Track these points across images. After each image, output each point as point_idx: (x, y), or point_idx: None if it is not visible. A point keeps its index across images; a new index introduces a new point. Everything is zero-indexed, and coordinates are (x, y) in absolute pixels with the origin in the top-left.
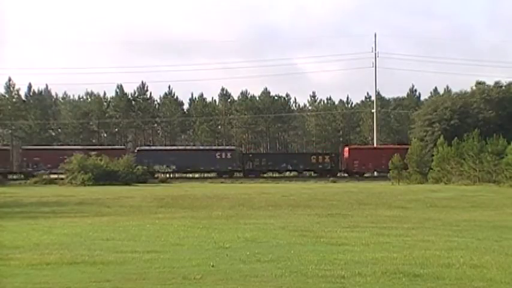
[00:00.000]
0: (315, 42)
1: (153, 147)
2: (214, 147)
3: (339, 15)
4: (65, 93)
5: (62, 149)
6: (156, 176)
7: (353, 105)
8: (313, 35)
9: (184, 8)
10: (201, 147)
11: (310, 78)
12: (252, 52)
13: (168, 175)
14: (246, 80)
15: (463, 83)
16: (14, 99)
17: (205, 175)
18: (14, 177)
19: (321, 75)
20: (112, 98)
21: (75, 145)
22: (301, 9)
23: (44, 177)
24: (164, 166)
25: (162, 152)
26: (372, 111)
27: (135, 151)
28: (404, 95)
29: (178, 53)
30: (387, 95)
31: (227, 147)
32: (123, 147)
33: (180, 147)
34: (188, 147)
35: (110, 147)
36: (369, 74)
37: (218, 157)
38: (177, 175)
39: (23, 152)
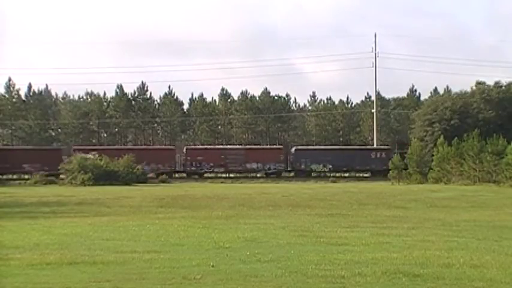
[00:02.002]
0: (314, 42)
1: (311, 147)
2: (369, 147)
3: (337, 15)
4: (65, 93)
5: (224, 148)
6: (313, 174)
7: (353, 105)
8: (312, 35)
9: (184, 8)
10: (356, 147)
11: (309, 78)
12: (252, 52)
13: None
14: (246, 80)
15: (462, 82)
16: (14, 99)
17: (360, 174)
18: (176, 175)
19: (320, 75)
20: (112, 98)
21: (235, 145)
22: (299, 9)
23: (206, 175)
24: (321, 165)
25: (319, 152)
26: (372, 111)
27: (293, 150)
28: (404, 95)
29: (178, 53)
30: (387, 95)
31: (381, 147)
32: (172, 147)
33: (336, 147)
34: (344, 147)
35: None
36: (368, 74)
37: (373, 156)
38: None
39: (188, 152)
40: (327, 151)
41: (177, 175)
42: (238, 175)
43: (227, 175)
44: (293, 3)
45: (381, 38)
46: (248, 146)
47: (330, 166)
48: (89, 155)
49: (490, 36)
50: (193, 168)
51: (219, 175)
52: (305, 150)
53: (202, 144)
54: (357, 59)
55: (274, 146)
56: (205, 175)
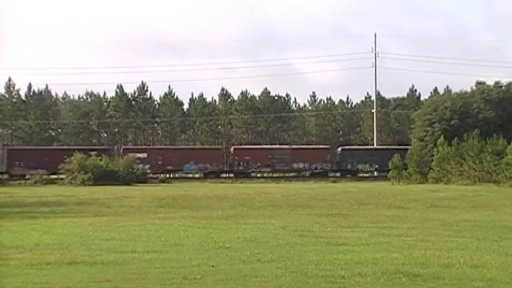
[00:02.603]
0: (313, 42)
1: (357, 147)
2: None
3: (337, 15)
4: (65, 93)
5: (271, 148)
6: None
7: (353, 105)
8: (311, 35)
9: (184, 8)
10: (403, 146)
11: (309, 78)
12: (252, 52)
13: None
14: (245, 80)
15: (461, 82)
16: (14, 99)
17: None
18: (224, 175)
19: (320, 75)
20: (112, 98)
21: (281, 144)
22: (298, 9)
23: (253, 175)
24: (367, 165)
25: (366, 152)
26: (372, 111)
27: (339, 150)
28: (404, 95)
29: (178, 53)
30: (387, 95)
31: None
32: (220, 146)
33: (383, 147)
34: (390, 147)
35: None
36: (368, 74)
37: None
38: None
39: (235, 152)
40: (373, 151)
41: (224, 175)
42: (286, 175)
43: (273, 175)
44: (293, 3)
45: (380, 38)
46: (295, 146)
47: (376, 166)
48: (138, 155)
49: (490, 36)
50: (240, 168)
51: (266, 175)
52: (351, 150)
53: (248, 144)
54: (357, 59)
55: (321, 146)
56: (252, 175)
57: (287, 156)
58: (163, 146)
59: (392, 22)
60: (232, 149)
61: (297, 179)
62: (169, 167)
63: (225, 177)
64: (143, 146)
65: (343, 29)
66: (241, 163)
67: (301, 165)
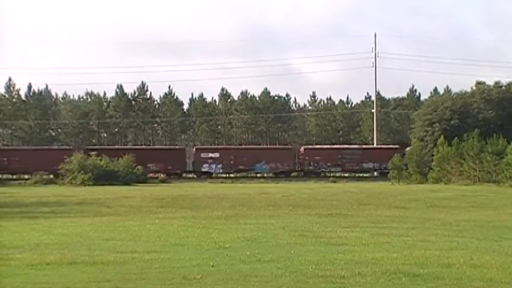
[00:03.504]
0: (312, 42)
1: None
2: None
3: (337, 15)
4: (65, 93)
5: (341, 148)
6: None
7: (353, 105)
8: (311, 35)
9: (183, 8)
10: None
11: (309, 78)
12: (252, 52)
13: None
14: (245, 80)
15: (461, 82)
16: (14, 99)
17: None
18: (294, 174)
19: (320, 75)
20: (112, 98)
21: (350, 144)
22: (298, 9)
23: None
24: None
25: None
26: (372, 111)
27: (408, 149)
28: (404, 95)
29: (177, 53)
30: (387, 95)
31: None
32: (290, 146)
33: None
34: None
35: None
36: (368, 74)
37: None
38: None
39: (306, 152)
40: None
41: (294, 174)
42: (356, 175)
43: (343, 174)
44: (292, 3)
45: (380, 38)
46: (365, 146)
47: None
48: (211, 155)
49: (490, 36)
50: (310, 167)
51: (335, 174)
52: None
53: (317, 144)
54: (357, 59)
55: (391, 146)
56: (322, 174)
57: (357, 156)
58: (235, 146)
59: (392, 22)
60: (302, 149)
61: (297, 179)
62: (241, 167)
63: (295, 177)
64: (216, 146)
65: (343, 29)
66: (311, 163)
67: (370, 165)
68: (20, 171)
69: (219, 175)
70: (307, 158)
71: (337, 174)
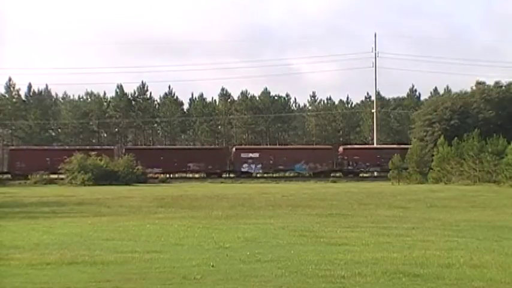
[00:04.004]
0: (312, 42)
1: None
2: None
3: (336, 15)
4: (65, 93)
5: (380, 148)
6: None
7: (353, 105)
8: (310, 34)
9: (183, 8)
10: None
11: (309, 78)
12: (252, 52)
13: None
14: (245, 80)
15: (461, 82)
16: (14, 99)
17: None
18: (337, 174)
19: (320, 75)
20: (112, 98)
21: (390, 144)
22: (297, 9)
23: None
24: None
25: None
26: (372, 111)
27: None
28: (404, 95)
29: (177, 53)
30: (387, 95)
31: None
32: (329, 146)
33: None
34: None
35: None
36: (368, 74)
37: None
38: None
39: (345, 151)
40: None
41: (332, 174)
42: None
43: (382, 174)
44: (292, 3)
45: (380, 38)
46: (403, 146)
47: None
48: (250, 155)
49: (489, 36)
50: (349, 167)
51: (374, 174)
52: None
53: (356, 144)
54: (357, 59)
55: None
56: (361, 174)
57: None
58: (274, 146)
59: (391, 22)
60: (341, 149)
61: (297, 178)
62: (281, 167)
63: (334, 177)
64: (255, 146)
65: (343, 29)
66: (351, 163)
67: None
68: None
69: (258, 175)
70: (346, 157)
71: (376, 174)
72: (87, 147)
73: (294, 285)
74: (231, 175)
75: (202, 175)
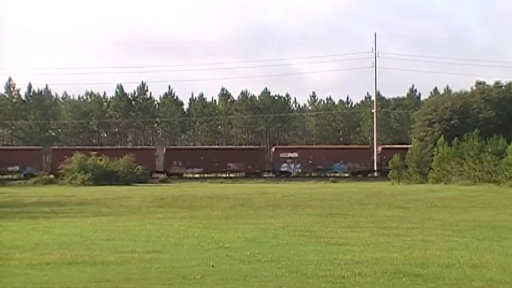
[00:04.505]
0: (312, 42)
1: None
2: None
3: (336, 15)
4: (65, 93)
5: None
6: None
7: (353, 105)
8: (310, 34)
9: (183, 8)
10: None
11: (309, 78)
12: (252, 52)
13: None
14: (245, 80)
15: (460, 82)
16: (14, 99)
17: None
18: (375, 174)
19: (320, 75)
20: (112, 98)
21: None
22: (297, 9)
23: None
24: None
25: None
26: (372, 111)
27: None
28: (404, 95)
29: (177, 53)
30: (387, 95)
31: None
32: (368, 146)
33: None
34: None
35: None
36: (368, 74)
37: None
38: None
39: (383, 151)
40: None
41: (370, 174)
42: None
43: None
44: (292, 3)
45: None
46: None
47: None
48: (289, 155)
49: (489, 35)
50: (387, 167)
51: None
52: None
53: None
54: (357, 59)
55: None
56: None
57: None
58: (313, 146)
59: (391, 22)
60: (380, 148)
61: (297, 178)
62: (319, 167)
63: (372, 177)
64: (295, 146)
65: (343, 28)
66: (389, 162)
67: None
68: None
69: (298, 175)
70: (384, 157)
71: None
72: (128, 147)
73: (294, 285)
74: (271, 175)
75: (241, 175)
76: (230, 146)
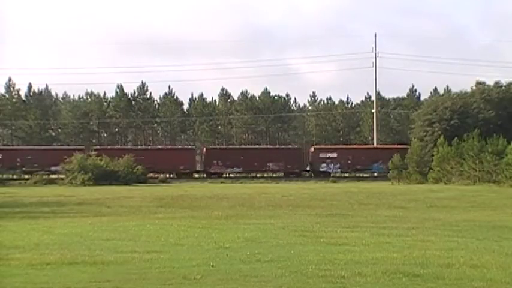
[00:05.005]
0: (312, 42)
1: None
2: None
3: (336, 15)
4: (65, 93)
5: None
6: None
7: (353, 105)
8: (310, 34)
9: (183, 9)
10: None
11: (309, 79)
12: (252, 53)
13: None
14: (245, 80)
15: (460, 82)
16: (14, 99)
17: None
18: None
19: (320, 75)
20: (112, 98)
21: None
22: (297, 9)
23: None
24: None
25: None
26: (372, 111)
27: None
28: (404, 95)
29: (177, 53)
30: (387, 95)
31: None
32: (406, 146)
33: None
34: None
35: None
36: (368, 74)
37: None
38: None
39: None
40: None
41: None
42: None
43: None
44: (292, 3)
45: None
46: None
47: None
48: (329, 155)
49: (489, 35)
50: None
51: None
52: None
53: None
54: (357, 59)
55: None
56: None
57: None
58: (352, 146)
59: (391, 22)
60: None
61: (297, 178)
62: (358, 167)
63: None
64: (334, 146)
65: (343, 28)
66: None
67: None
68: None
69: (337, 175)
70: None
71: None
72: (169, 146)
73: (294, 285)
74: (310, 175)
75: (280, 174)
76: (270, 146)
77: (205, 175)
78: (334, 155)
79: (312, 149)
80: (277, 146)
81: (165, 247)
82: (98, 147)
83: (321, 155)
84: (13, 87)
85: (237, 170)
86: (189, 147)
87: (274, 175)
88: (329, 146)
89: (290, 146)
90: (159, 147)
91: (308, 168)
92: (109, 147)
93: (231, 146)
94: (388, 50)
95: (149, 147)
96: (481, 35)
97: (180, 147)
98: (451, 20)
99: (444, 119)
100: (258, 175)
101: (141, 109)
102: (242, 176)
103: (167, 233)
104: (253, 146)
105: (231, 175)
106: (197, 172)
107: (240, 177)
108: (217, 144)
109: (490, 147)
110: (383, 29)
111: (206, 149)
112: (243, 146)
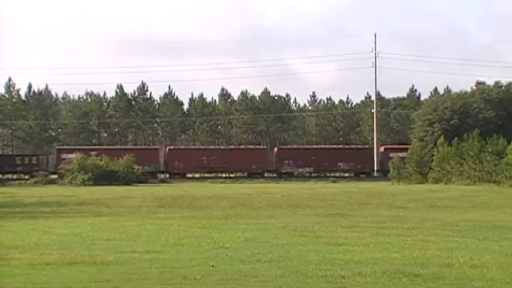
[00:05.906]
0: (311, 42)
1: None
2: None
3: (336, 15)
4: (65, 93)
5: None
6: None
7: (353, 105)
8: (309, 35)
9: (183, 9)
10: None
11: (309, 79)
12: (252, 53)
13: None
14: (245, 80)
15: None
16: (14, 99)
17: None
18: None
19: (320, 75)
20: (112, 98)
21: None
22: (296, 9)
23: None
24: None
25: None
26: (372, 111)
27: None
28: (404, 95)
29: (177, 54)
30: (387, 95)
31: None
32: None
33: None
34: None
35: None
36: (368, 74)
37: None
38: None
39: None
40: None
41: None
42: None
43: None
44: (292, 3)
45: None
46: None
47: None
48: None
49: (489, 35)
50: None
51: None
52: None
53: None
54: (357, 59)
55: None
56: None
57: None
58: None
59: (391, 22)
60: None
61: (297, 178)
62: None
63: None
64: (404, 145)
65: (342, 29)
66: None
67: None
68: (218, 170)
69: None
70: None
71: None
72: (241, 146)
73: (294, 285)
74: (379, 175)
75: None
76: (340, 146)
77: (275, 175)
78: (405, 154)
79: (382, 148)
80: (348, 146)
81: (165, 247)
82: (171, 147)
83: (391, 154)
84: (13, 87)
85: (308, 169)
86: (261, 147)
87: (344, 175)
88: (399, 146)
89: (360, 146)
90: (231, 147)
91: (377, 168)
92: (182, 147)
93: (302, 146)
94: (388, 50)
95: (222, 147)
96: (481, 35)
97: (252, 147)
98: (451, 20)
99: (444, 119)
100: (328, 174)
101: (141, 109)
102: (314, 176)
103: (167, 233)
104: (324, 146)
105: (306, 174)
106: (269, 172)
107: (312, 177)
108: (217, 144)
109: (490, 147)
110: (383, 29)
111: (278, 149)
112: (314, 146)
